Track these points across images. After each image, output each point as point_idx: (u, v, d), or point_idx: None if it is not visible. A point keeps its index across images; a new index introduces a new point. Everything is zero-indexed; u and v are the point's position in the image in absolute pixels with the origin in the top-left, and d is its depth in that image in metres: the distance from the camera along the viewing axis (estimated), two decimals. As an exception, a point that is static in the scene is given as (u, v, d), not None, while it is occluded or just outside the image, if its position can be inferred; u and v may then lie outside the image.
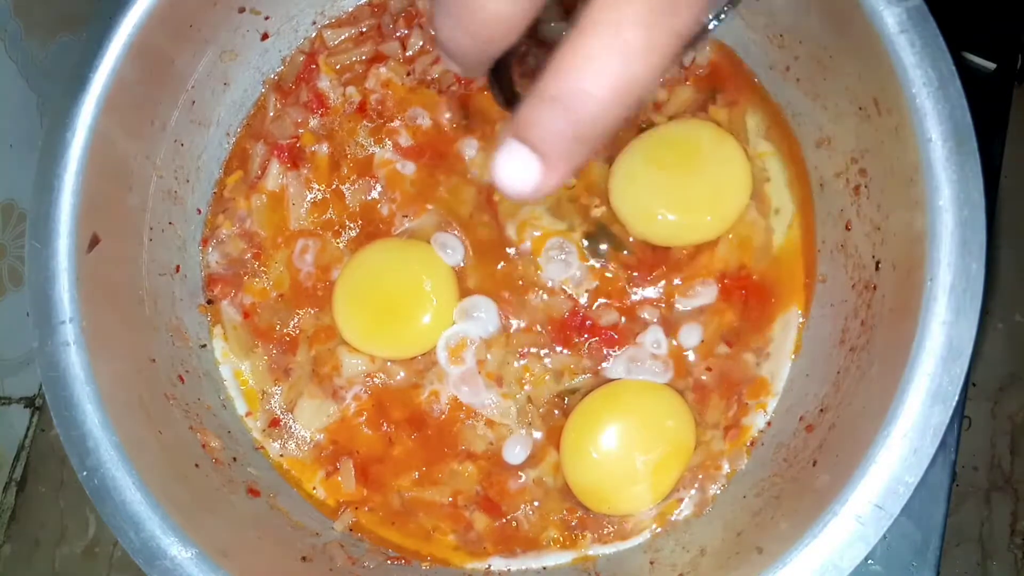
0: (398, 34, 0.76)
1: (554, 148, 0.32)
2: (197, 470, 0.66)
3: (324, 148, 0.75)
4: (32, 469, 1.00)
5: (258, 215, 0.75)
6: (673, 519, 0.69)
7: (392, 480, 0.71)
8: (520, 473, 0.70)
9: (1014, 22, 0.80)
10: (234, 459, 0.70)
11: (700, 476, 0.69)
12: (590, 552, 0.69)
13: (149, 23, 0.65)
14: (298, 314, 0.74)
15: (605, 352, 0.70)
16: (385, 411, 0.71)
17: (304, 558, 0.66)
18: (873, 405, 0.57)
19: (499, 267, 0.71)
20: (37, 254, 0.62)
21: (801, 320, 0.70)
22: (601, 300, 0.70)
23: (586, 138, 0.32)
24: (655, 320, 0.70)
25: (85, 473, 0.59)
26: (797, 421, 0.66)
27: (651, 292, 0.70)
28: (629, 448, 0.67)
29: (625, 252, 0.70)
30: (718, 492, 0.68)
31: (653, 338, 0.69)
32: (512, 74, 0.42)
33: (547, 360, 0.70)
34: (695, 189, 0.69)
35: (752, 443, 0.69)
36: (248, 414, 0.74)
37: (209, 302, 0.75)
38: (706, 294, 0.70)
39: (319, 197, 0.75)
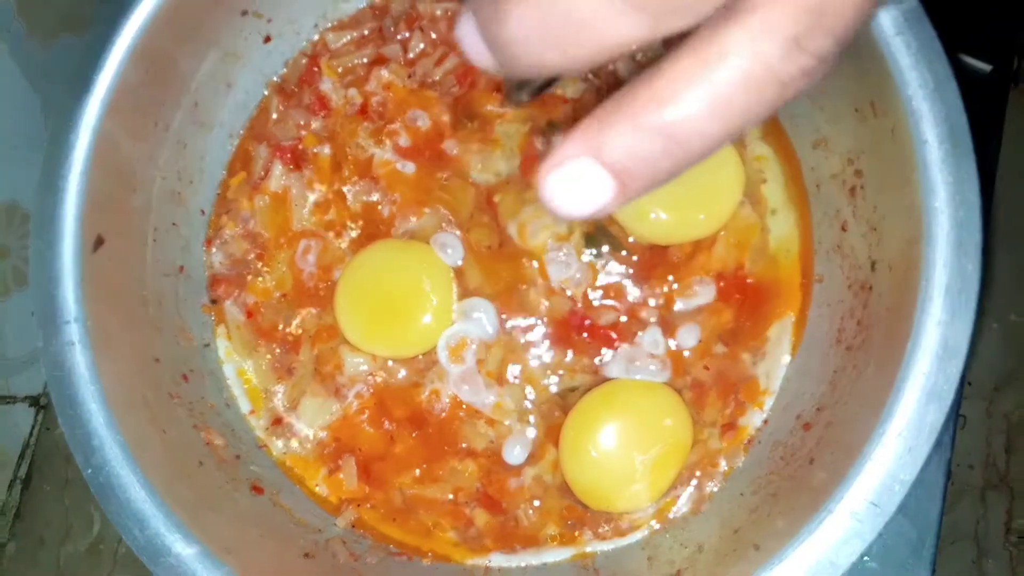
0: (399, 37, 0.77)
1: (640, 176, 0.29)
2: (201, 468, 0.66)
3: (326, 149, 0.76)
4: (37, 467, 1.00)
5: (261, 216, 0.76)
6: (671, 516, 0.69)
7: (393, 477, 0.71)
8: (520, 471, 0.70)
9: (1010, 24, 0.80)
10: (237, 457, 0.70)
11: (698, 474, 0.69)
12: (589, 549, 0.70)
13: (152, 25, 0.65)
14: (300, 314, 0.74)
15: (603, 351, 0.70)
16: (387, 409, 0.72)
17: (307, 554, 0.66)
18: (869, 404, 0.58)
19: (499, 267, 0.72)
20: (42, 255, 0.63)
21: (797, 320, 0.71)
22: (600, 300, 0.71)
23: (681, 169, 0.29)
24: (653, 320, 0.70)
25: (90, 471, 0.59)
26: (794, 419, 0.67)
27: (649, 292, 0.71)
28: (627, 446, 0.67)
29: (623, 253, 0.71)
30: (715, 490, 0.69)
31: (651, 338, 0.70)
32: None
33: (546, 359, 0.71)
34: (686, 187, 0.69)
35: (749, 441, 0.70)
36: (251, 412, 0.74)
37: (213, 302, 0.75)
38: (704, 294, 0.70)
39: (321, 198, 0.75)
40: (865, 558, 0.69)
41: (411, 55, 0.76)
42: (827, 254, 0.69)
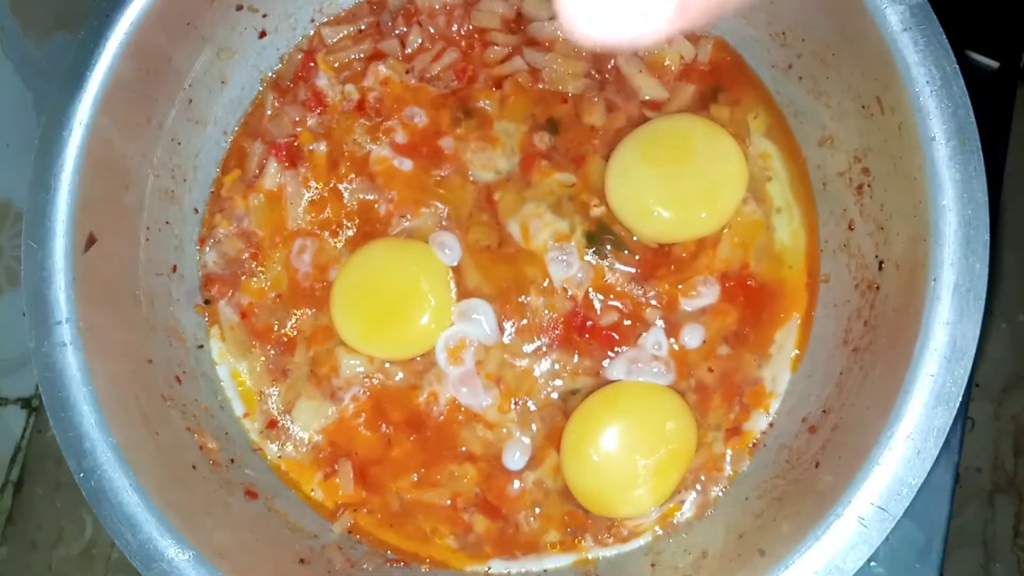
0: (397, 32, 0.76)
1: None
2: (194, 472, 0.65)
3: (322, 147, 0.75)
4: (29, 471, 0.99)
5: (256, 214, 0.75)
6: (675, 521, 0.68)
7: (391, 482, 0.70)
8: (520, 476, 0.69)
9: (1017, 21, 0.80)
10: (232, 461, 0.69)
11: (702, 478, 0.68)
12: (591, 555, 0.69)
13: (146, 21, 0.65)
14: (296, 314, 0.73)
15: (606, 353, 0.69)
16: (384, 412, 0.71)
17: (302, 560, 0.65)
18: (876, 406, 0.57)
19: (499, 267, 0.71)
20: (33, 254, 0.62)
21: (803, 320, 0.70)
22: (602, 300, 0.70)
23: None
24: (657, 321, 0.69)
25: (82, 475, 0.59)
26: (800, 422, 0.66)
27: (653, 292, 0.70)
28: (629, 451, 0.66)
29: (626, 252, 0.70)
30: (720, 494, 0.68)
31: (654, 339, 0.69)
32: None
33: (547, 361, 0.70)
34: (689, 185, 0.69)
35: (754, 445, 0.69)
36: (246, 415, 0.73)
37: (206, 302, 0.74)
38: (708, 294, 0.69)
39: (317, 196, 0.75)
40: (872, 563, 0.68)
41: (409, 50, 0.75)
42: (833, 253, 0.68)
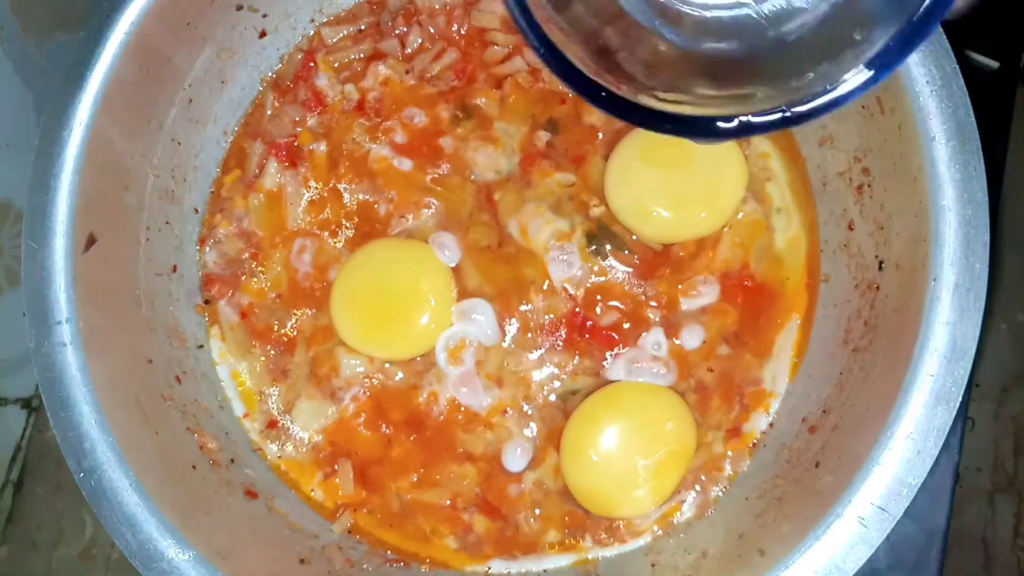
0: (397, 32, 0.76)
1: None
2: (195, 472, 0.65)
3: (322, 147, 0.75)
4: (29, 471, 0.99)
5: (256, 214, 0.75)
6: (675, 521, 0.68)
7: (391, 482, 0.70)
8: (520, 476, 0.69)
9: (1017, 21, 0.79)
10: (232, 461, 0.69)
11: (702, 478, 0.68)
12: (590, 555, 0.69)
13: (146, 21, 0.65)
14: (296, 314, 0.73)
15: (605, 353, 0.69)
16: (384, 412, 0.71)
17: (302, 560, 0.65)
18: (876, 406, 0.57)
19: (499, 267, 0.71)
20: (33, 254, 0.62)
21: (803, 320, 0.70)
22: (602, 300, 0.70)
23: None
24: (656, 321, 0.69)
25: (82, 475, 0.59)
26: (800, 422, 0.66)
27: (653, 292, 0.70)
28: (629, 451, 0.66)
29: (626, 252, 0.70)
30: (720, 494, 0.68)
31: (654, 339, 0.69)
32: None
33: (547, 361, 0.70)
34: (689, 185, 0.69)
35: (754, 445, 0.69)
36: (246, 415, 0.73)
37: (206, 302, 0.74)
38: (708, 294, 0.69)
39: (317, 196, 0.75)
40: (872, 563, 0.68)
41: (409, 50, 0.75)
42: (833, 253, 0.68)
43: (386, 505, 0.70)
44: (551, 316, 0.70)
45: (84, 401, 0.60)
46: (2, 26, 0.92)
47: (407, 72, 0.75)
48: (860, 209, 0.65)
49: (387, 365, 0.71)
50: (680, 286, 0.70)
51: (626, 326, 0.69)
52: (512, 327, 0.70)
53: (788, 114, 0.35)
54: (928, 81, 0.57)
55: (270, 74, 0.78)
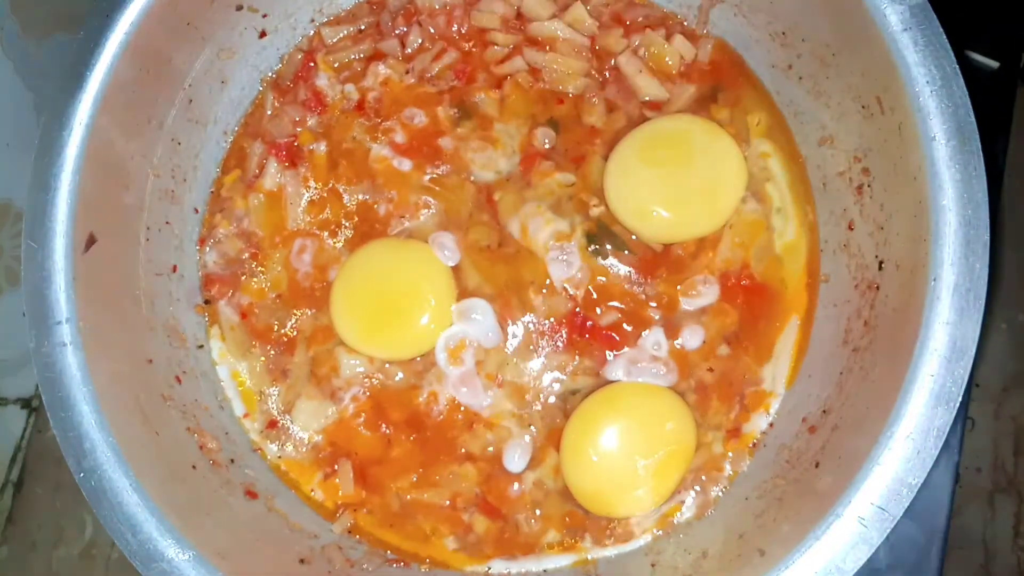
0: (397, 32, 0.76)
1: None
2: (194, 472, 0.65)
3: (322, 147, 0.75)
4: (29, 471, 0.99)
5: (256, 214, 0.75)
6: (675, 521, 0.68)
7: (391, 482, 0.70)
8: (520, 476, 0.69)
9: (1017, 21, 0.80)
10: (232, 461, 0.69)
11: (702, 478, 0.68)
12: (590, 555, 0.68)
13: (146, 21, 0.65)
14: (296, 314, 0.73)
15: (605, 353, 0.69)
16: (383, 412, 0.71)
17: (302, 560, 0.65)
18: (876, 406, 0.57)
19: (499, 267, 0.71)
20: (33, 254, 0.62)
21: (803, 321, 0.70)
22: (602, 301, 0.70)
23: None
24: (657, 321, 0.69)
25: (82, 475, 0.59)
26: (800, 422, 0.66)
27: (653, 292, 0.70)
28: (629, 451, 0.66)
29: (626, 252, 0.70)
30: (720, 494, 0.68)
31: (654, 340, 0.69)
32: None
33: (547, 362, 0.70)
34: (688, 185, 0.69)
35: (754, 445, 0.69)
36: (246, 415, 0.73)
37: (206, 302, 0.74)
38: (708, 294, 0.69)
39: (317, 196, 0.75)
40: (872, 563, 0.68)
41: (409, 50, 0.75)
42: (834, 253, 0.68)
43: (386, 505, 0.70)
44: (551, 316, 0.70)
45: (84, 401, 0.60)
46: (2, 26, 0.93)
47: (407, 72, 0.75)
48: (860, 209, 0.65)
49: (387, 365, 0.71)
50: (680, 286, 0.70)
51: (626, 326, 0.69)
52: (512, 327, 0.70)
53: None
54: (928, 81, 0.57)
55: (270, 74, 0.78)
